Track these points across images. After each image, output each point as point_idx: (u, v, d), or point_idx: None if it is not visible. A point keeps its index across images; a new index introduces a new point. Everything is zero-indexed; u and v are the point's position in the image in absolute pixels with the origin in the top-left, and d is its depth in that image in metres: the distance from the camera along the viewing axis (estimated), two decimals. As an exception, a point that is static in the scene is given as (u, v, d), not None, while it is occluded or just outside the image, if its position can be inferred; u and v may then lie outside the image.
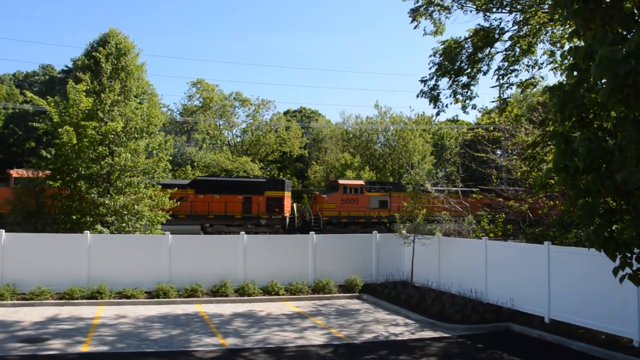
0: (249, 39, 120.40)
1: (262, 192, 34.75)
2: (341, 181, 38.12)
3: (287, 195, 36.59)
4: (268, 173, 57.64)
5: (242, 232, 18.94)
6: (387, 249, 19.93)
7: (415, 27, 19.46)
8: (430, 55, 19.60)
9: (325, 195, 36.76)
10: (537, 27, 18.16)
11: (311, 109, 73.62)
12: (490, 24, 18.77)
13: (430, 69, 19.57)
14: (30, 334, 12.24)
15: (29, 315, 14.19)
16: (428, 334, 13.26)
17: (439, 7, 19.12)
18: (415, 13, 19.24)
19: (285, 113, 69.47)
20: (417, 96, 20.07)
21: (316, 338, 12.53)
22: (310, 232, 19.70)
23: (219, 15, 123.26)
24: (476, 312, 14.44)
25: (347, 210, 36.31)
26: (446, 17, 19.31)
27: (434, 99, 19.60)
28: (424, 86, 19.74)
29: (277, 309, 16.04)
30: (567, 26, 14.86)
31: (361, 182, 38.58)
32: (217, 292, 17.22)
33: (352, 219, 36.24)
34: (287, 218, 35.74)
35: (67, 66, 53.50)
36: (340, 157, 53.64)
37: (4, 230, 16.79)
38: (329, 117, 75.42)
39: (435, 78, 19.56)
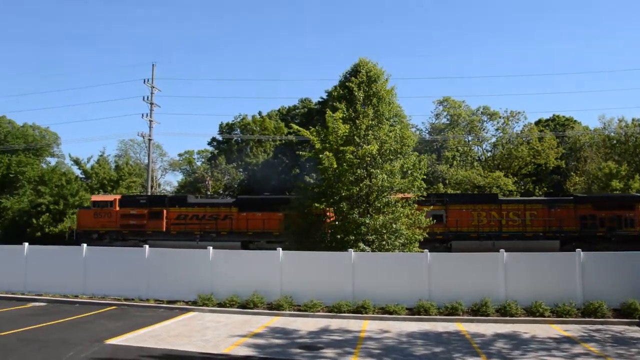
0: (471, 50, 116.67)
1: None
2: None
3: None
4: (522, 187, 54.51)
5: (502, 250, 18.10)
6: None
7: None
8: None
9: None
10: None
11: (565, 116, 67.50)
12: None
13: None
14: (307, 342, 13.45)
15: (304, 324, 15.65)
16: None
17: None
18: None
19: (537, 123, 65.01)
20: None
21: (595, 368, 11.19)
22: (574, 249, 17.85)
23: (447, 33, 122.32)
24: None
25: None
26: None
27: None
28: None
29: (543, 332, 14.84)
30: None
31: None
32: (478, 311, 16.69)
33: None
34: None
35: (322, 97, 58.61)
36: (604, 167, 48.06)
37: (280, 249, 19.01)
38: (586, 123, 68.05)
39: None
